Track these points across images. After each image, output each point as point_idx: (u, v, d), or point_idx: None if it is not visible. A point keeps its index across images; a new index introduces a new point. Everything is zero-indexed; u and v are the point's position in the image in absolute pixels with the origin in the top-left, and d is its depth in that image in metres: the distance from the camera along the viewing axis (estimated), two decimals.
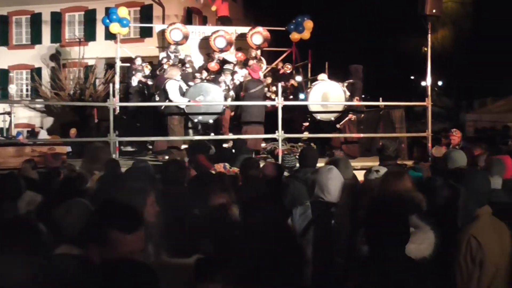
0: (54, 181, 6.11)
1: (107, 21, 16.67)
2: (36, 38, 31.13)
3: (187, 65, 15.35)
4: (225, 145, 13.36)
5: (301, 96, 15.79)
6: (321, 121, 13.46)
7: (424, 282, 2.95)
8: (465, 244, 3.77)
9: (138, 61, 15.90)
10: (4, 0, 30.20)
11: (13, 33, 31.77)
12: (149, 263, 2.72)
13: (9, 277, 2.41)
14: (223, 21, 19.41)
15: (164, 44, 17.72)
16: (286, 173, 7.11)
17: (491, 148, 9.70)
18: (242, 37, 17.52)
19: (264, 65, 16.77)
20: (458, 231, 3.88)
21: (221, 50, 16.31)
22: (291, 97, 15.67)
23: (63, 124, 23.23)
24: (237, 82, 14.73)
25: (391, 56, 35.72)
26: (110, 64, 25.16)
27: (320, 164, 6.74)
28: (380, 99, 13.81)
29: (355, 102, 13.29)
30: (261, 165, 7.00)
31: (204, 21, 29.25)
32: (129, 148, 15.40)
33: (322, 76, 14.10)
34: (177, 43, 16.12)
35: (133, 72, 15.62)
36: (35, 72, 29.32)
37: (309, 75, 18.55)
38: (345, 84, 13.45)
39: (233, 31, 17.80)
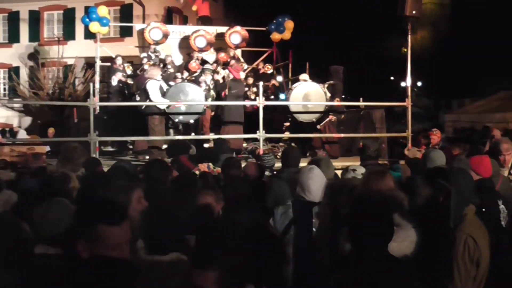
0: (31, 180, 6.07)
1: (87, 20, 16.56)
2: (14, 37, 30.82)
3: (169, 66, 15.31)
4: (206, 145, 13.34)
5: (282, 96, 15.83)
6: (302, 122, 13.50)
7: (406, 280, 2.97)
8: (463, 244, 3.82)
9: (119, 61, 15.80)
10: None
11: None
12: (133, 259, 2.77)
13: None
14: (204, 21, 19.38)
15: (144, 44, 17.65)
16: (268, 173, 7.13)
17: (470, 148, 9.79)
18: (222, 37, 17.52)
19: (245, 64, 16.78)
20: (451, 231, 3.93)
21: (201, 50, 16.29)
22: (272, 97, 15.70)
23: (42, 124, 23.05)
24: (219, 81, 14.74)
25: (371, 57, 35.94)
26: (89, 63, 25.00)
27: (303, 164, 6.76)
28: (361, 99, 13.89)
29: (336, 103, 13.35)
30: (243, 165, 7.01)
31: (184, 21, 29.21)
32: (109, 148, 15.31)
33: (304, 76, 14.13)
34: (157, 43, 16.07)
35: (113, 72, 15.53)
36: (13, 71, 29.07)
37: (290, 75, 18.60)
38: (326, 85, 13.50)
39: (214, 31, 17.80)
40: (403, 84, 20.87)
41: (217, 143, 10.37)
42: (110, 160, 11.15)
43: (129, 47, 20.49)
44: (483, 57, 32.02)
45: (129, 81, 15.28)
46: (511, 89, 26.85)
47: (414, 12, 12.22)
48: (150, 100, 12.18)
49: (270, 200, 5.44)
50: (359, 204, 3.19)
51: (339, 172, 6.54)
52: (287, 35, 18.14)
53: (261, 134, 11.57)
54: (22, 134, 15.30)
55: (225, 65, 15.74)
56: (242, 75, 14.77)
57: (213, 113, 14.48)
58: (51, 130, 19.12)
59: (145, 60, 15.20)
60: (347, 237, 3.22)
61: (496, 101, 26.10)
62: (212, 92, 14.46)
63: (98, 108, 12.56)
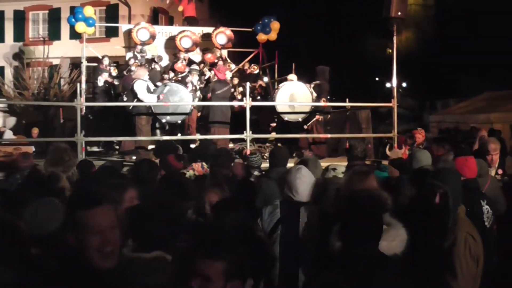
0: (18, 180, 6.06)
1: (73, 20, 16.47)
2: None
3: (156, 60, 15.32)
4: (192, 145, 13.36)
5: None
6: (288, 122, 13.55)
7: (396, 278, 3.03)
8: (463, 242, 3.92)
9: (106, 61, 15.75)
10: None
11: None
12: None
13: None
14: (190, 21, 19.37)
15: (130, 44, 17.59)
16: (257, 173, 7.16)
17: (454, 148, 9.88)
18: (208, 37, 17.53)
19: (232, 65, 16.80)
20: (449, 230, 4.01)
21: (187, 50, 16.27)
22: (259, 97, 15.73)
23: (26, 124, 22.90)
24: (204, 82, 14.77)
25: (356, 58, 36.06)
26: (75, 63, 24.89)
27: (290, 164, 6.81)
28: (347, 100, 13.96)
29: (322, 103, 13.41)
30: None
31: (170, 21, 29.15)
32: (95, 149, 15.26)
33: (292, 76, 14.19)
34: (144, 43, 16.03)
35: (100, 72, 15.48)
36: None
37: (276, 75, 18.64)
38: (312, 85, 13.57)
39: (200, 31, 17.80)
40: (388, 85, 20.98)
41: (204, 144, 10.42)
42: (96, 161, 11.12)
43: (115, 47, 20.39)
44: (467, 58, 32.23)
45: (116, 81, 15.25)
46: (495, 90, 27.15)
47: (399, 13, 12.29)
48: (139, 100, 12.17)
49: (259, 200, 5.48)
50: (350, 203, 3.24)
51: None
52: (273, 35, 18.17)
53: (248, 134, 11.61)
54: (8, 134, 15.20)
55: (212, 66, 15.75)
56: (228, 75, 14.80)
57: (199, 114, 14.50)
58: (35, 131, 19.01)
59: (132, 61, 15.16)
60: (338, 236, 3.26)
61: (480, 102, 26.37)
62: (199, 93, 14.47)
63: (84, 108, 12.54)
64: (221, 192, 4.72)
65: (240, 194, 5.37)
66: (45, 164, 6.48)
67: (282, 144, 13.29)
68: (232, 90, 15.08)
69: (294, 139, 13.56)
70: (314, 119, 13.44)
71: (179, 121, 13.19)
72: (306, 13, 36.69)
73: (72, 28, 17.56)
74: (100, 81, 15.29)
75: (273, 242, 4.55)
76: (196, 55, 16.82)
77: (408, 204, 4.81)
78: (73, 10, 17.45)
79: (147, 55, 15.92)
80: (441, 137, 19.94)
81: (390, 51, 13.18)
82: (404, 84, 39.25)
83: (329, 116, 14.17)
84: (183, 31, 16.71)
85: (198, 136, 13.36)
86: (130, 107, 12.44)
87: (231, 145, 13.92)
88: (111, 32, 26.54)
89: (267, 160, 6.93)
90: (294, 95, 13.31)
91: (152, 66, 14.99)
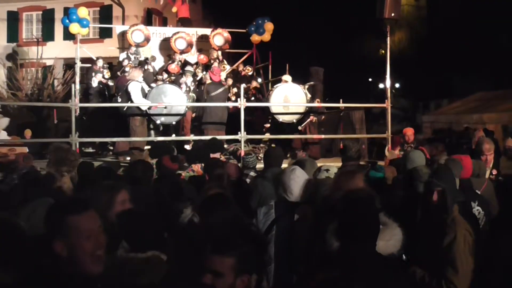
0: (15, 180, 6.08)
1: (67, 21, 16.44)
2: None
3: (149, 61, 15.33)
4: (186, 146, 13.37)
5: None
6: (282, 123, 13.59)
7: (393, 277, 3.07)
8: (463, 239, 4.02)
9: (100, 63, 15.75)
10: None
11: None
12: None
13: None
14: (184, 22, 19.36)
15: (124, 45, 17.58)
16: (253, 173, 7.19)
17: (448, 149, 9.94)
18: (203, 38, 17.54)
19: (227, 66, 16.82)
20: (447, 228, 4.08)
21: (182, 52, 16.27)
22: (253, 98, 15.76)
23: (20, 125, 22.81)
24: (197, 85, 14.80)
25: (349, 58, 36.14)
26: (68, 64, 24.83)
27: (284, 165, 6.84)
28: (341, 100, 14.01)
29: (316, 104, 13.46)
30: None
31: (164, 22, 29.17)
32: (89, 149, 15.25)
33: (286, 77, 14.22)
34: (138, 45, 16.03)
35: (94, 73, 15.48)
36: None
37: (270, 76, 18.67)
38: (306, 86, 13.61)
39: (194, 32, 17.81)
40: (381, 85, 21.03)
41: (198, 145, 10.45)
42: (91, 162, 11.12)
43: (109, 48, 20.38)
44: (460, 59, 32.37)
45: (110, 82, 15.25)
46: (488, 89, 27.25)
47: (393, 14, 12.36)
48: (132, 102, 12.19)
49: (254, 200, 5.52)
50: (348, 203, 3.28)
51: None
52: (266, 36, 18.18)
53: (242, 135, 11.65)
54: (3, 135, 15.15)
55: (207, 67, 15.78)
56: (223, 75, 14.83)
57: (193, 115, 14.52)
58: (28, 133, 18.92)
59: (125, 62, 15.15)
60: (336, 235, 3.30)
61: (473, 102, 26.43)
62: (192, 94, 14.49)
63: (78, 109, 12.54)
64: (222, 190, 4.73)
65: (234, 195, 5.39)
66: (48, 164, 6.48)
67: (276, 145, 13.34)
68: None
69: (288, 140, 13.59)
70: (308, 119, 13.48)
71: (174, 122, 13.22)
72: (300, 14, 36.74)
73: (66, 29, 17.52)
74: (94, 82, 15.29)
75: (268, 242, 4.58)
76: (191, 56, 16.82)
77: (404, 203, 4.87)
78: (67, 11, 17.42)
79: (141, 56, 15.92)
80: (434, 137, 20.02)
81: (383, 51, 13.22)
82: (397, 85, 39.34)
83: (323, 116, 14.21)
84: (178, 32, 16.70)
85: (192, 137, 13.37)
86: (125, 108, 12.45)
87: (225, 146, 13.95)
88: (105, 33, 26.52)
89: (262, 161, 6.96)
90: (288, 96, 13.35)
91: (145, 68, 14.99)
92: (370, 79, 41.53)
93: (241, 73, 17.19)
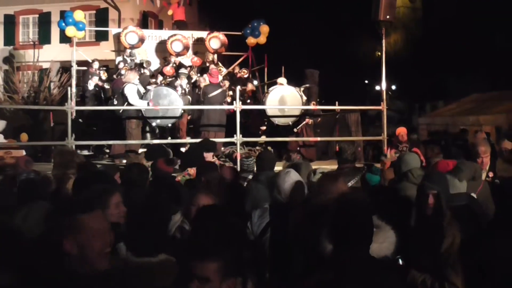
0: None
1: (63, 24, 16.47)
2: None
3: (145, 65, 15.34)
4: (182, 149, 13.38)
5: None
6: (278, 125, 13.61)
7: (387, 280, 3.09)
8: (459, 241, 4.07)
9: (96, 65, 15.77)
10: None
11: None
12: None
13: None
14: (179, 25, 19.38)
15: (120, 48, 17.59)
16: (251, 177, 7.19)
17: (444, 151, 9.97)
18: (198, 41, 17.57)
19: (223, 69, 16.85)
20: (443, 230, 4.13)
21: (178, 54, 16.29)
22: (249, 101, 15.78)
23: (16, 128, 22.77)
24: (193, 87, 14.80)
25: (345, 61, 36.19)
26: (65, 67, 24.78)
27: (279, 167, 6.85)
28: (336, 103, 14.03)
29: (312, 106, 13.48)
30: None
31: (160, 25, 29.13)
32: (85, 152, 15.24)
33: (282, 80, 14.24)
34: (133, 47, 16.04)
35: (90, 76, 15.48)
36: None
37: (266, 79, 18.70)
38: (302, 89, 13.63)
39: (190, 35, 17.84)
40: (377, 87, 21.05)
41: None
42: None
43: (105, 51, 20.36)
44: (456, 60, 32.45)
45: (106, 85, 15.26)
46: (483, 91, 27.28)
47: (388, 16, 12.38)
48: (129, 104, 12.20)
49: (248, 203, 5.53)
50: (342, 206, 3.30)
51: None
52: (262, 39, 18.22)
53: (238, 138, 11.66)
54: (0, 138, 15.13)
55: (203, 70, 15.80)
56: (219, 78, 14.86)
57: (189, 117, 14.53)
58: (24, 137, 18.86)
59: (121, 65, 15.17)
60: (330, 238, 3.32)
61: (469, 104, 26.44)
62: (188, 96, 14.50)
63: (74, 112, 12.55)
64: (213, 198, 4.73)
65: (229, 198, 5.40)
66: (54, 167, 6.50)
67: (272, 147, 13.36)
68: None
69: (283, 142, 13.60)
70: (304, 122, 13.50)
71: (170, 125, 13.23)
72: (295, 16, 36.76)
73: (62, 32, 17.54)
74: (90, 84, 15.30)
75: (263, 245, 4.59)
76: (187, 59, 16.85)
77: (399, 206, 4.89)
78: (63, 14, 17.46)
79: (137, 58, 15.94)
80: (430, 139, 20.03)
81: (379, 54, 13.25)
82: (393, 87, 39.40)
83: (318, 119, 14.23)
84: (174, 35, 16.73)
85: (188, 140, 13.38)
86: (120, 111, 12.46)
87: (222, 149, 13.95)
88: (101, 36, 26.49)
89: None
90: (284, 99, 13.37)
91: (142, 71, 15.00)
92: (366, 81, 41.58)
93: (237, 75, 17.22)
